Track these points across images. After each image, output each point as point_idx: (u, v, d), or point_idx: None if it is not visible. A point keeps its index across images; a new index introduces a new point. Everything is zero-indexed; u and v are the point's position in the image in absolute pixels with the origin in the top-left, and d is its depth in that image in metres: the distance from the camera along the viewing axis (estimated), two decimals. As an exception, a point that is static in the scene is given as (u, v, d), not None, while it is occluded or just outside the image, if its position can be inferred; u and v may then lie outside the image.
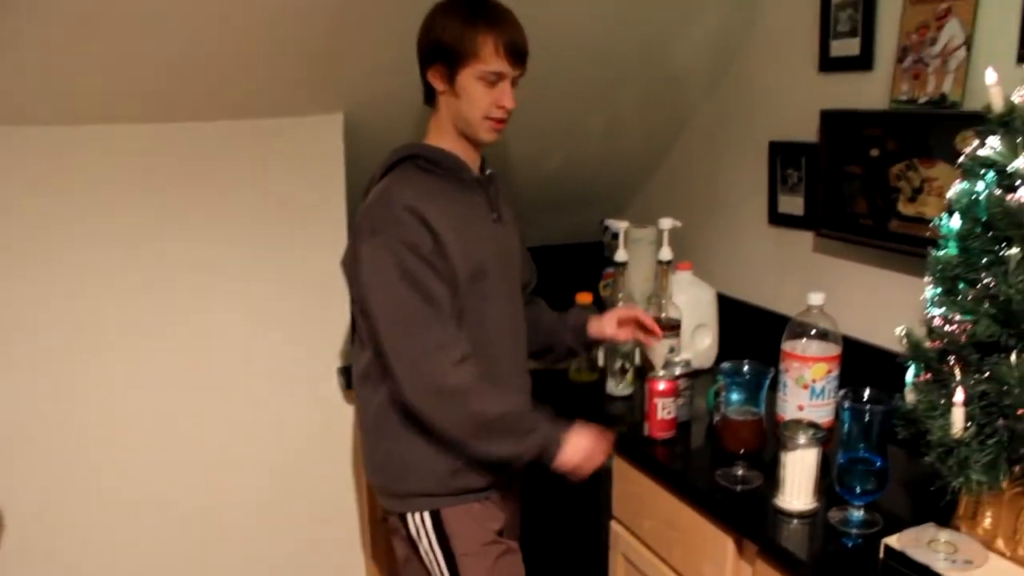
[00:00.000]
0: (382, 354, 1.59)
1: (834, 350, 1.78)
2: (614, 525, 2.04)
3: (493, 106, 1.61)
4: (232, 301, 2.22)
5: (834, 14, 2.08)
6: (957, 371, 1.33)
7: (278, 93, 2.12)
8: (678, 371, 1.94)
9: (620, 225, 2.31)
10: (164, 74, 1.92)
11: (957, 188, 1.38)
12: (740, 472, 1.72)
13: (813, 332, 1.80)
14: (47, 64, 1.78)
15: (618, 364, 2.16)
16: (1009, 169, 1.27)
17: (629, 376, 2.17)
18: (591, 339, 1.97)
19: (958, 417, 1.30)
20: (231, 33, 1.86)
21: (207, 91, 2.02)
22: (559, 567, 2.34)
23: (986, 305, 1.30)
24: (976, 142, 1.39)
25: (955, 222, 1.39)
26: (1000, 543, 1.38)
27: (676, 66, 2.47)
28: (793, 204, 2.29)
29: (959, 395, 1.29)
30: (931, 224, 1.45)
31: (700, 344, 2.29)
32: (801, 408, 1.78)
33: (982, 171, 1.33)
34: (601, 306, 2.28)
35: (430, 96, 1.68)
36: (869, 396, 1.55)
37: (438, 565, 1.71)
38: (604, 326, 1.95)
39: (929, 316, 1.39)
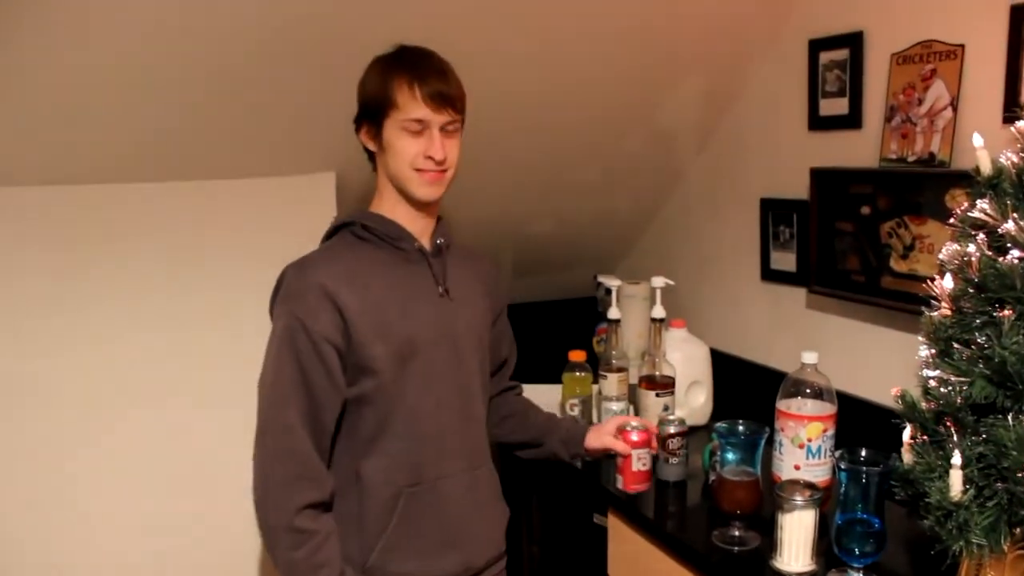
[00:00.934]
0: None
1: (829, 409, 1.78)
2: (610, 586, 2.01)
3: (420, 157, 1.48)
4: (225, 363, 2.19)
5: (822, 74, 2.11)
6: (954, 433, 1.32)
7: (270, 152, 2.12)
8: (672, 429, 1.93)
9: (613, 282, 2.32)
10: (155, 134, 1.92)
11: (949, 249, 1.38)
12: (737, 533, 1.70)
13: (808, 391, 1.79)
14: (34, 124, 1.78)
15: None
16: (1000, 231, 1.28)
17: (624, 434, 2.15)
18: (585, 451, 1.85)
19: (956, 480, 1.28)
20: (221, 92, 1.87)
21: (197, 150, 2.02)
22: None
23: (981, 366, 1.29)
24: (966, 203, 1.40)
25: (947, 283, 1.39)
26: (1002, 607, 1.36)
27: (667, 124, 2.50)
28: (785, 260, 2.30)
29: (956, 458, 1.28)
30: (924, 284, 1.46)
31: (695, 401, 2.28)
32: (797, 468, 1.76)
33: (973, 232, 1.33)
34: (595, 362, 2.27)
35: (370, 161, 1.59)
36: (866, 457, 1.54)
37: None
38: (605, 437, 1.85)
39: (924, 377, 1.39)
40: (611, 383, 2.17)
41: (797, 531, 1.55)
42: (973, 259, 1.30)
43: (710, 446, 1.91)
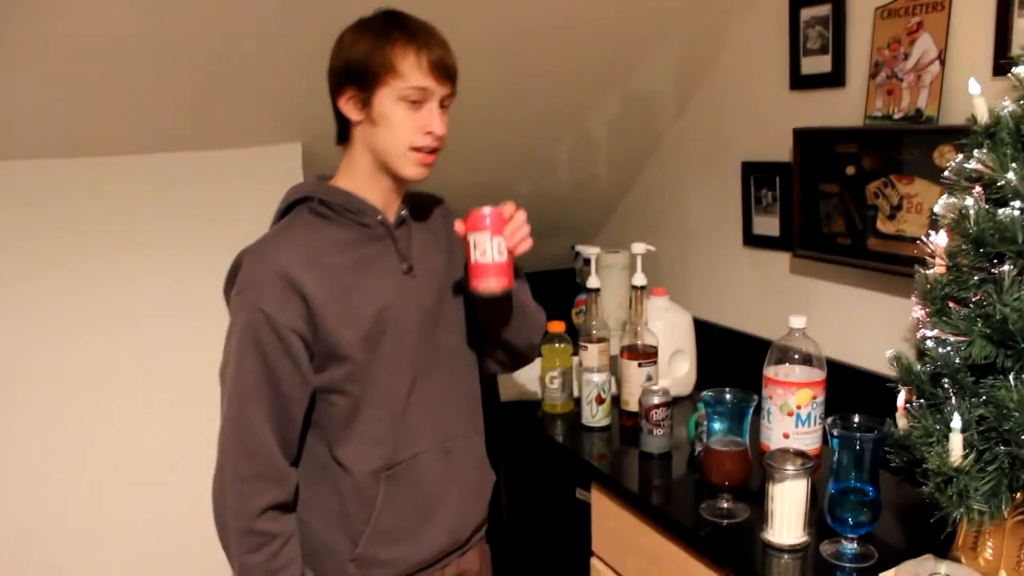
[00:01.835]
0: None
1: (818, 375, 1.72)
2: (595, 562, 1.96)
3: (419, 132, 1.36)
4: (192, 334, 2.13)
5: (803, 31, 2.05)
6: (953, 395, 1.27)
7: (236, 123, 2.06)
8: (656, 400, 1.87)
9: (591, 251, 2.25)
10: (121, 106, 1.86)
11: (943, 203, 1.33)
12: (726, 505, 1.65)
13: (796, 357, 1.74)
14: (5, 99, 1.72)
15: (593, 394, 2.08)
16: (999, 182, 1.22)
17: (605, 406, 2.09)
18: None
19: (956, 444, 1.23)
20: (188, 65, 1.81)
21: (164, 122, 1.96)
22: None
23: (980, 324, 1.24)
24: (959, 156, 1.34)
25: (942, 239, 1.34)
26: (1003, 574, 1.31)
27: (644, 87, 2.43)
28: (768, 225, 2.24)
29: (956, 421, 1.23)
30: (916, 242, 1.40)
31: (678, 371, 2.23)
32: (787, 436, 1.71)
33: (969, 185, 1.28)
34: (574, 334, 2.21)
35: (343, 132, 1.44)
36: (859, 423, 1.49)
37: None
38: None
39: (920, 337, 1.33)
40: (592, 354, 2.10)
41: (788, 502, 1.50)
42: (971, 212, 1.24)
43: (696, 416, 1.86)
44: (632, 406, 2.03)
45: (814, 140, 2.03)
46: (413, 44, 1.34)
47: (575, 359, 2.20)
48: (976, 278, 1.27)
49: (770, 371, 1.75)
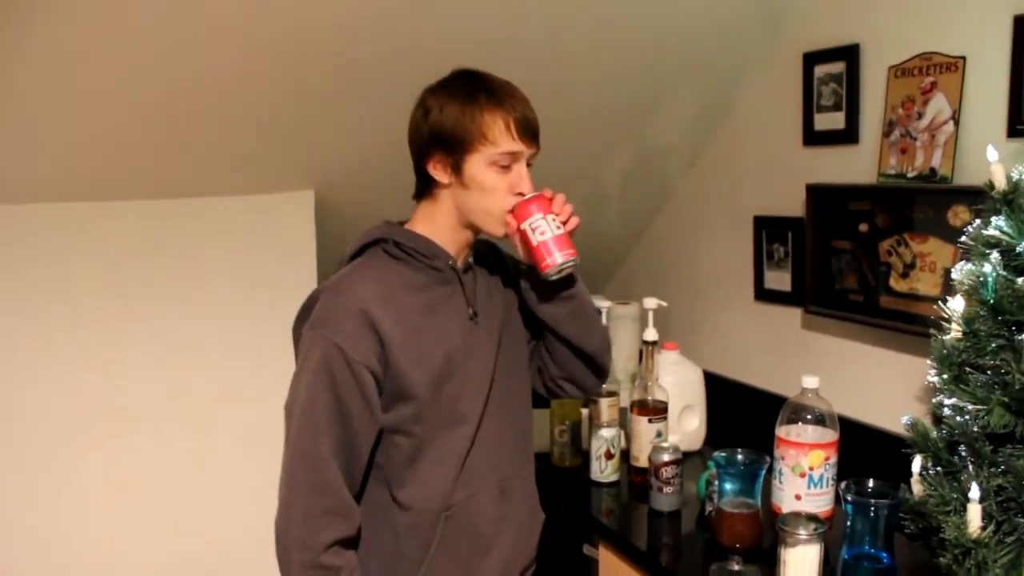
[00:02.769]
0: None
1: (831, 436, 1.70)
2: (601, 622, 1.92)
3: (511, 194, 1.39)
4: (205, 379, 2.16)
5: (817, 87, 2.05)
6: (970, 464, 1.25)
7: (249, 170, 2.08)
8: (666, 458, 1.85)
9: (603, 303, 2.24)
10: (134, 151, 1.88)
11: (962, 269, 1.31)
12: (736, 567, 1.62)
13: (809, 417, 1.72)
14: (17, 142, 1.74)
15: (602, 449, 2.06)
16: (1018, 250, 1.21)
17: (614, 461, 2.07)
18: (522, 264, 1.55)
19: (975, 515, 1.21)
20: (201, 110, 1.83)
21: (176, 167, 1.98)
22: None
23: (998, 393, 1.22)
24: (977, 220, 1.34)
25: (959, 304, 1.32)
26: (1022, 650, 1.28)
27: (658, 139, 2.44)
28: (780, 280, 2.23)
29: (975, 491, 1.21)
30: (934, 305, 1.39)
31: (688, 426, 2.21)
32: (799, 498, 1.69)
33: (987, 251, 1.27)
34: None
35: (423, 189, 1.46)
36: (873, 488, 1.47)
37: None
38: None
39: (936, 404, 1.32)
40: (601, 408, 2.09)
41: (801, 566, 1.47)
42: (989, 280, 1.23)
43: (707, 474, 1.83)
44: (642, 462, 2.00)
45: (827, 196, 2.03)
46: (500, 109, 1.37)
47: (584, 412, 2.18)
48: (994, 344, 1.26)
49: (782, 431, 1.73)
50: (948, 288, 1.39)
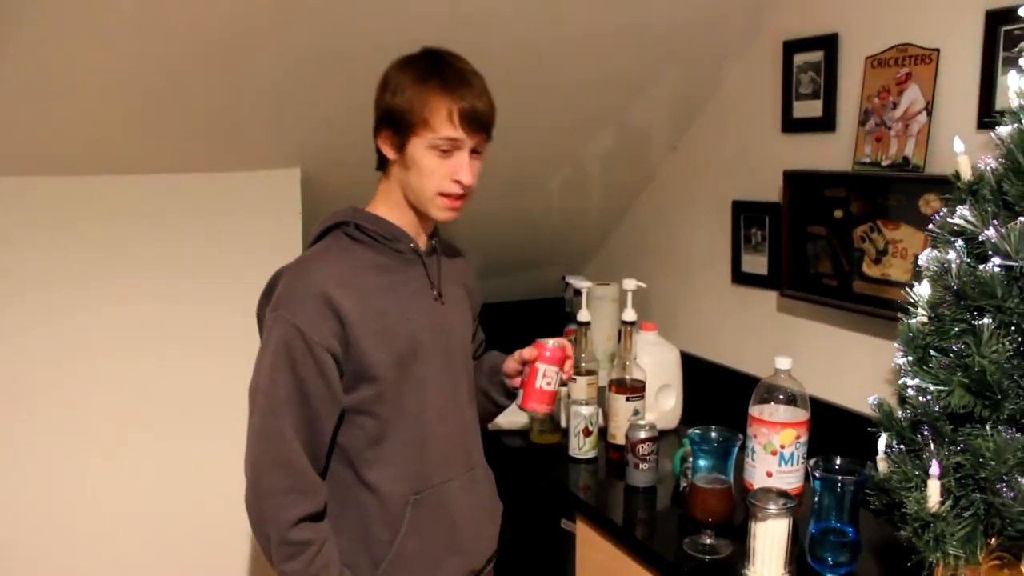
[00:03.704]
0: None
1: (802, 415, 1.76)
2: (578, 594, 1.98)
3: (447, 180, 1.41)
4: (185, 353, 2.15)
5: (796, 76, 2.10)
6: (931, 442, 1.31)
7: (234, 147, 2.07)
8: (643, 435, 1.90)
9: (583, 284, 2.28)
10: (120, 127, 1.87)
11: (927, 256, 1.37)
12: (708, 541, 1.67)
13: (781, 397, 1.77)
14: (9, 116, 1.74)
15: (580, 426, 2.11)
16: (980, 238, 1.26)
17: (592, 438, 2.11)
18: (504, 375, 1.68)
19: (934, 490, 1.27)
20: (186, 87, 1.83)
21: (162, 144, 1.97)
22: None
23: (959, 375, 1.28)
24: (943, 209, 1.39)
25: (925, 289, 1.38)
26: (977, 619, 1.34)
27: (639, 124, 2.47)
28: (757, 264, 2.28)
29: (935, 468, 1.26)
30: (902, 290, 1.44)
31: (664, 405, 2.26)
32: (770, 475, 1.74)
33: (952, 239, 1.32)
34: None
35: (382, 162, 1.50)
36: (840, 465, 1.52)
37: None
38: (517, 352, 1.66)
39: (901, 385, 1.37)
40: (580, 386, 2.13)
41: (770, 540, 1.53)
42: (953, 266, 1.28)
43: (682, 452, 1.89)
44: (619, 439, 2.05)
45: (803, 182, 2.08)
46: (448, 96, 1.38)
47: (562, 390, 2.23)
48: (957, 329, 1.31)
49: (755, 410, 1.78)
50: (918, 274, 1.43)
